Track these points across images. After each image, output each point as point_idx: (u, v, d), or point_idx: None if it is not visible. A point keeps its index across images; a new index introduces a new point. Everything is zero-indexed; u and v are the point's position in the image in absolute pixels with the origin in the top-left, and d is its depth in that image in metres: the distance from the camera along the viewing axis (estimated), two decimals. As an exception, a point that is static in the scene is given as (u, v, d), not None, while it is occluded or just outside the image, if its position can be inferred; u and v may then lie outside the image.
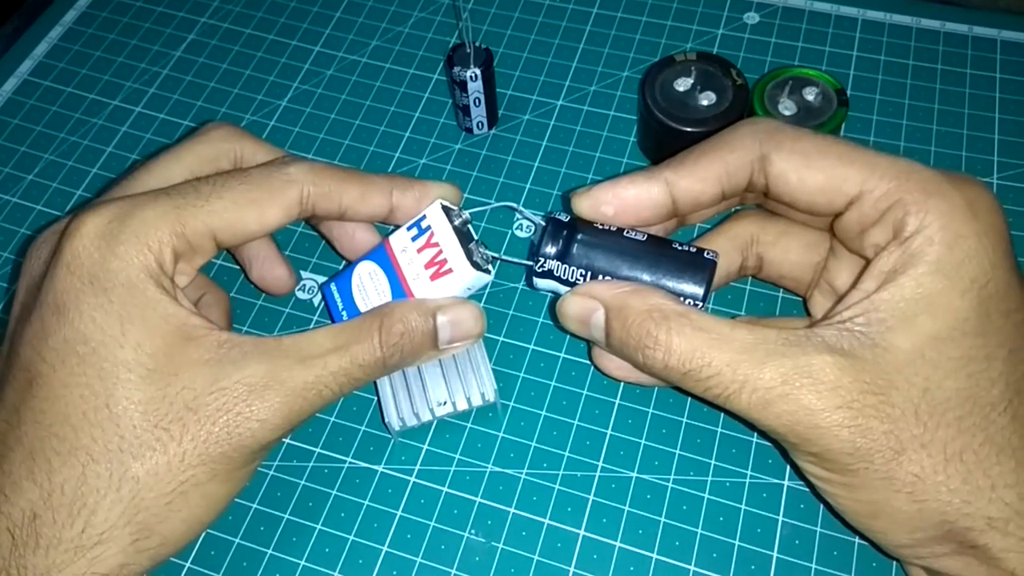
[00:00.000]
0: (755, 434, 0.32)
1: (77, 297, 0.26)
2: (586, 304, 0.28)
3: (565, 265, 0.29)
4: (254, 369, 0.26)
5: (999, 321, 0.25)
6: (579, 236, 0.29)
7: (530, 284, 0.32)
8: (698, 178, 0.28)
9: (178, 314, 0.26)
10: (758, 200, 0.30)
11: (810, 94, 0.36)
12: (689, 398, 0.33)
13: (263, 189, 0.29)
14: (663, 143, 0.37)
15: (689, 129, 0.36)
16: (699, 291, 0.28)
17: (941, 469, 0.24)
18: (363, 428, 0.34)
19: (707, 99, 0.36)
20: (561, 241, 0.29)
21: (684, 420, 0.33)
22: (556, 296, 0.30)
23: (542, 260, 0.29)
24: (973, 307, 0.24)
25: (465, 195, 0.40)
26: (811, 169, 0.27)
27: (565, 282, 0.29)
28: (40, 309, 0.26)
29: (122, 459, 0.25)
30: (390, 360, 0.29)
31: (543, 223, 0.30)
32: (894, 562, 0.30)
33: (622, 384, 0.34)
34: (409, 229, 0.31)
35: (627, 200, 0.29)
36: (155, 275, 0.27)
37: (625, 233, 0.29)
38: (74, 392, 0.25)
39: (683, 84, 0.37)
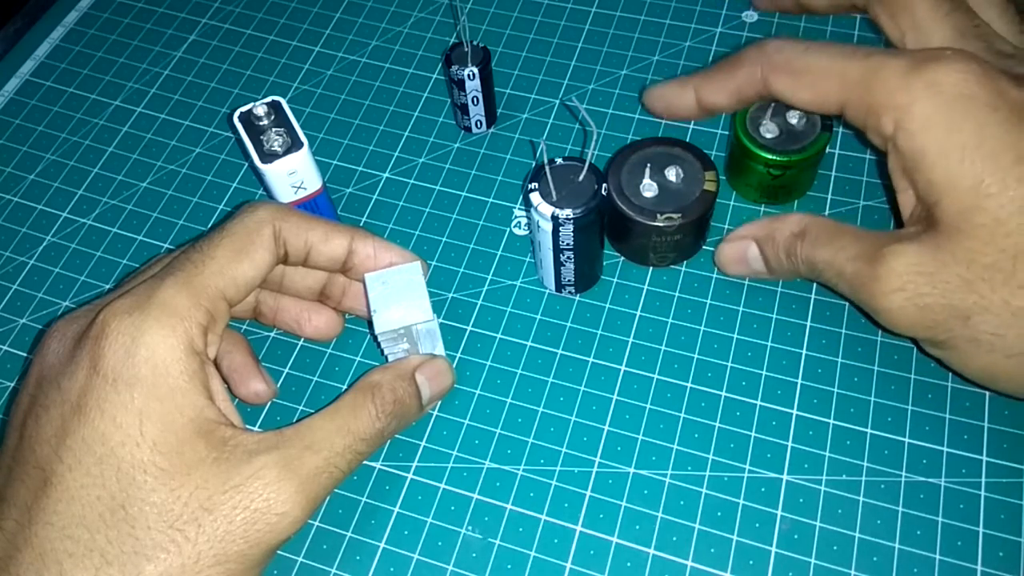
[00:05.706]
0: (754, 428, 0.32)
1: (100, 396, 0.26)
2: (739, 245, 0.34)
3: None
4: (264, 462, 0.26)
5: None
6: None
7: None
8: (714, 91, 0.35)
9: (195, 405, 0.26)
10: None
11: (793, 117, 0.35)
12: (687, 393, 0.33)
13: (243, 237, 0.29)
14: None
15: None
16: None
17: None
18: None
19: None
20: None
21: (681, 415, 0.33)
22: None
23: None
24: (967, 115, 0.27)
25: (464, 194, 0.40)
26: (800, 90, 0.31)
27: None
28: (61, 408, 0.26)
29: (136, 562, 0.25)
30: (387, 429, 0.30)
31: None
32: (894, 558, 0.29)
33: (619, 380, 0.34)
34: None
35: (670, 100, 0.37)
36: (182, 359, 0.27)
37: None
38: (91, 493, 0.25)
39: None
